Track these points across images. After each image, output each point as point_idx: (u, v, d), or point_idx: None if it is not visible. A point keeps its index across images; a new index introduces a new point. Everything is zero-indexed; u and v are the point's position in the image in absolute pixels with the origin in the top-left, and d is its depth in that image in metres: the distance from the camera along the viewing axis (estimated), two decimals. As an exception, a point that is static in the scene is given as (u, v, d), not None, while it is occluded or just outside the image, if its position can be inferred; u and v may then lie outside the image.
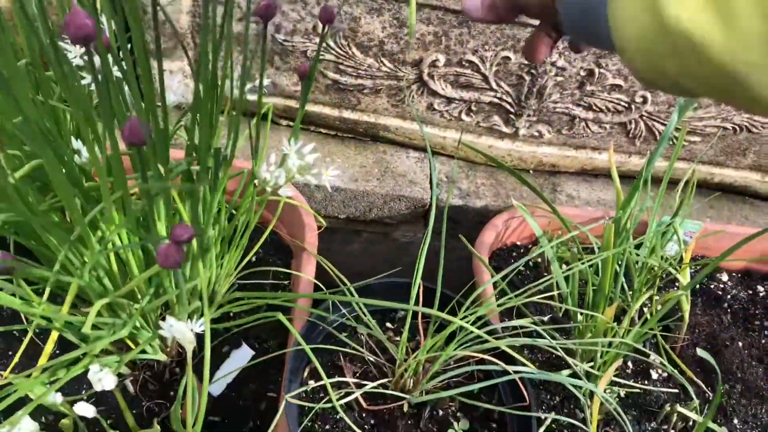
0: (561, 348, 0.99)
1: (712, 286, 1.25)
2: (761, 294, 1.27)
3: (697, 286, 1.25)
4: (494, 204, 1.25)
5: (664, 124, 1.22)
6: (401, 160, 1.28)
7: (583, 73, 1.14)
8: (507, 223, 1.17)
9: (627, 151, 1.29)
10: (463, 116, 1.22)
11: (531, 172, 1.33)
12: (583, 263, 0.85)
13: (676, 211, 1.03)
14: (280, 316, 0.77)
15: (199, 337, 0.96)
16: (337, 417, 0.84)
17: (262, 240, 0.94)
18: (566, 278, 0.93)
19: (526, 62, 1.13)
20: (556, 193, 1.30)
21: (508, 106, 1.20)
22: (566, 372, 0.99)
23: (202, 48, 0.62)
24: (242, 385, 0.92)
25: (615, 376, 1.05)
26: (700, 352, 0.82)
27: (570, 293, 0.92)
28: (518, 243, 1.22)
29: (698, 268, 1.27)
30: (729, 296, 1.24)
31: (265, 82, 0.84)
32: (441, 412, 0.89)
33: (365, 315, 0.90)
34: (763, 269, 1.29)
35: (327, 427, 0.84)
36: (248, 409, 0.89)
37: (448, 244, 1.37)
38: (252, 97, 1.21)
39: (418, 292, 0.94)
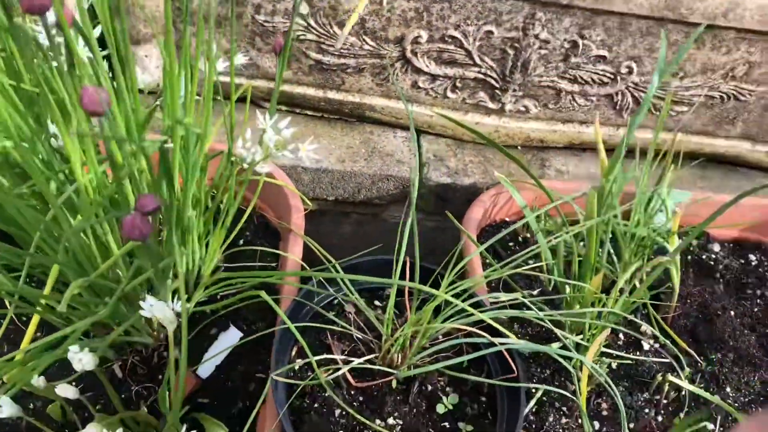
0: (551, 320, 0.99)
1: (703, 257, 1.25)
2: (753, 263, 1.26)
3: (689, 258, 1.24)
4: (483, 181, 1.24)
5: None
6: (389, 140, 1.27)
7: (567, 45, 1.13)
8: (495, 200, 1.16)
9: (615, 124, 1.28)
10: (449, 93, 1.21)
11: (519, 148, 1.32)
12: (567, 233, 0.85)
13: (658, 180, 1.03)
14: (263, 294, 0.77)
15: (188, 320, 0.96)
16: (326, 395, 0.84)
17: (243, 219, 0.94)
18: (553, 250, 0.93)
19: (509, 36, 1.12)
20: (545, 168, 1.29)
21: (493, 82, 1.19)
22: (556, 344, 0.99)
23: (166, 19, 0.61)
24: (231, 366, 0.92)
25: (606, 347, 1.05)
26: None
27: (555, 264, 0.91)
28: (507, 219, 1.21)
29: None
30: (721, 266, 1.24)
31: (243, 60, 0.83)
32: (430, 387, 0.89)
33: (352, 293, 0.90)
34: (754, 238, 1.29)
35: (315, 405, 0.84)
36: (237, 390, 0.89)
37: (440, 224, 1.37)
38: (236, 80, 1.20)
39: (404, 269, 0.94)
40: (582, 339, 0.95)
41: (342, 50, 1.13)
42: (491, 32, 1.11)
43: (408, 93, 1.21)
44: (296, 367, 0.87)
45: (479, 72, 1.17)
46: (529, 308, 1.01)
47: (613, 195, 0.85)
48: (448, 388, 0.90)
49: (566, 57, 1.15)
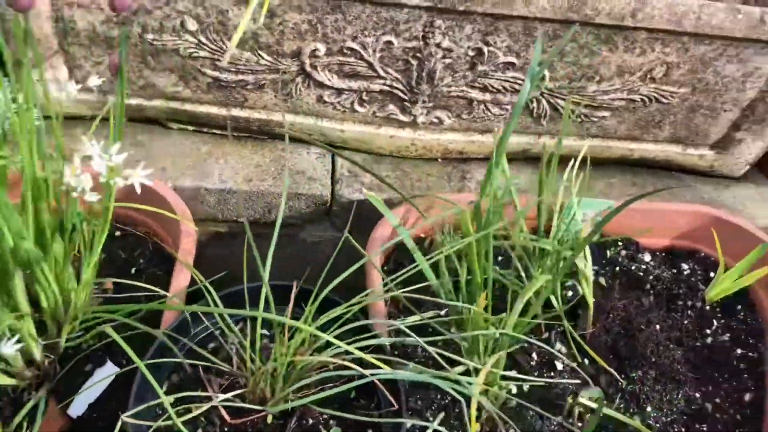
0: (455, 342, 0.93)
1: (632, 268, 1.19)
2: (685, 272, 1.21)
3: (617, 269, 1.19)
4: (398, 196, 1.19)
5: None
6: (301, 157, 1.22)
7: (471, 53, 1.09)
8: (406, 216, 1.11)
9: (535, 132, 1.23)
10: (357, 107, 1.16)
11: (439, 160, 1.27)
12: (447, 250, 0.80)
13: (541, 187, 0.98)
14: (109, 329, 0.72)
15: (63, 356, 0.91)
16: (195, 433, 0.79)
17: (99, 243, 0.88)
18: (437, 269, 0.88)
19: (410, 46, 1.07)
20: (465, 180, 1.24)
21: (400, 94, 1.14)
22: (460, 368, 0.93)
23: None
24: (105, 404, 0.87)
25: (516, 368, 0.99)
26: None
27: (441, 284, 0.86)
28: (423, 236, 1.16)
29: (620, 248, 1.22)
30: (651, 277, 1.18)
31: (98, 81, 0.79)
32: (311, 421, 0.83)
33: (231, 329, 0.85)
34: (686, 246, 1.23)
35: (183, 445, 0.79)
36: (110, 430, 0.84)
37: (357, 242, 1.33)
38: (133, 101, 1.16)
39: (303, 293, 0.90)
40: (480, 363, 0.90)
41: (239, 66, 1.09)
42: (391, 43, 1.06)
43: (314, 108, 1.17)
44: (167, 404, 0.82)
45: (384, 84, 1.12)
46: (435, 331, 0.96)
47: (494, 208, 0.80)
48: (331, 422, 0.84)
49: (473, 65, 1.10)
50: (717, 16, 1.04)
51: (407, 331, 0.80)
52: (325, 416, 0.84)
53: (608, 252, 1.20)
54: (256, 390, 0.80)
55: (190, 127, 1.21)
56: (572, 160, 1.11)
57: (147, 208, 0.96)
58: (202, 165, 1.17)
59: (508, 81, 1.13)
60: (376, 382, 0.79)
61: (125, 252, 1.07)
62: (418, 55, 1.08)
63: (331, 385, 0.85)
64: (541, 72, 0.73)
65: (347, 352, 0.79)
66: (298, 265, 1.31)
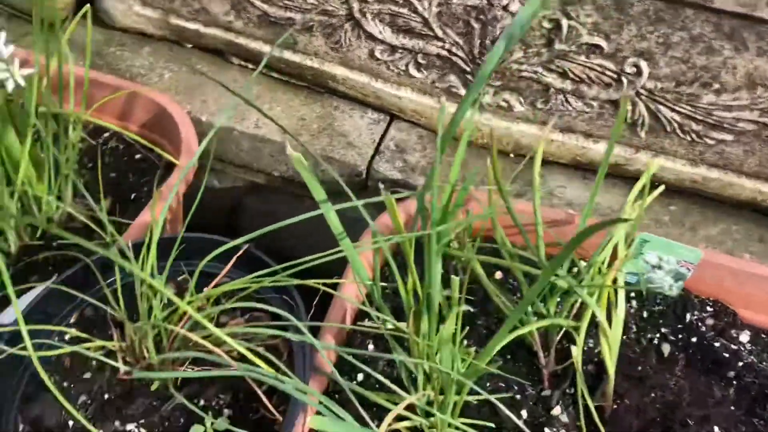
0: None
1: (717, 344, 0.90)
2: (796, 369, 0.89)
3: (692, 339, 0.90)
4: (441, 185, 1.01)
5: (675, 110, 0.89)
6: (352, 120, 1.09)
7: (548, 25, 0.87)
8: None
9: (631, 144, 0.97)
10: (412, 71, 1.00)
11: (512, 155, 1.06)
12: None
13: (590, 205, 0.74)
14: None
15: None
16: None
17: (71, 150, 0.82)
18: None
19: (472, 4, 0.88)
20: (530, 186, 1.02)
21: (461, 63, 0.96)
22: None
23: None
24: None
25: (495, 424, 0.78)
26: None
27: (374, 285, 0.69)
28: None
29: (707, 315, 0.92)
30: (740, 363, 0.88)
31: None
32: (203, 401, 0.72)
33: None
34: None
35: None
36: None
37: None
38: (192, 25, 1.11)
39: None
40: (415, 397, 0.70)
41: (286, 2, 0.98)
42: (450, -3, 0.89)
43: (368, 64, 1.02)
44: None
45: (443, 48, 0.95)
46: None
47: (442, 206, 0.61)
48: (226, 410, 0.72)
49: (549, 42, 0.88)
50: None
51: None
52: (222, 401, 0.72)
53: (688, 315, 0.92)
54: (133, 348, 0.70)
55: (250, 65, 1.13)
56: (635, 182, 0.85)
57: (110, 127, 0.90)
58: (244, 106, 1.09)
59: (593, 69, 0.89)
60: (248, 380, 0.65)
61: (135, 176, 1.02)
62: (482, 17, 0.89)
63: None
64: (519, 36, 0.53)
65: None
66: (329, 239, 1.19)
